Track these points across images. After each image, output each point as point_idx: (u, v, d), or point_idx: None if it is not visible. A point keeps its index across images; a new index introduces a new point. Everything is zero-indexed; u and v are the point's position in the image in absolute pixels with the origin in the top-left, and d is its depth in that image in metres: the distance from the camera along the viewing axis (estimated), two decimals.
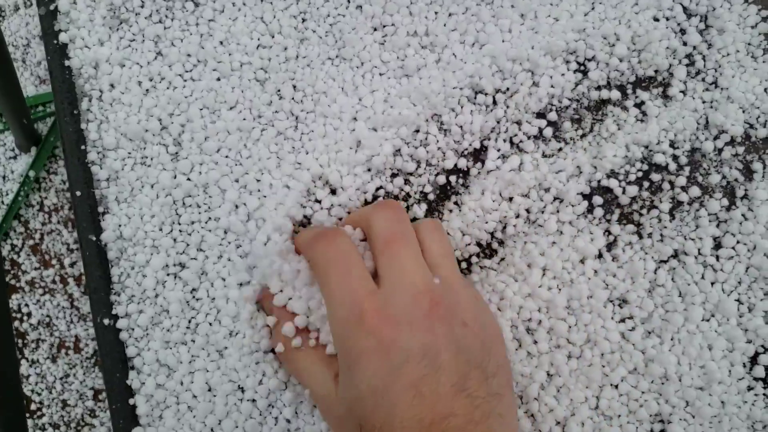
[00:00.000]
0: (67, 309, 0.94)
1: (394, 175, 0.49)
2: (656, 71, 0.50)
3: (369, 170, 0.49)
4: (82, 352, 0.92)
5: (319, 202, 0.49)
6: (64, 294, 0.94)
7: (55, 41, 0.51)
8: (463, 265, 0.48)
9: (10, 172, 0.94)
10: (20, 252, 0.95)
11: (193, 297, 0.47)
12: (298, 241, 0.45)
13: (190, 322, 0.47)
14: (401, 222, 0.42)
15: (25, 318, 0.91)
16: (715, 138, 0.49)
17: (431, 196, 0.49)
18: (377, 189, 0.49)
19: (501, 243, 0.48)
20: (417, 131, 0.49)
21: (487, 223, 0.48)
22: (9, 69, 0.77)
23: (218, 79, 0.50)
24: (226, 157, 0.49)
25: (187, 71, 0.50)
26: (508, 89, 0.50)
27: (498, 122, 0.50)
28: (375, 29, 0.51)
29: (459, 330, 0.39)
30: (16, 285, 0.88)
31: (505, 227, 0.48)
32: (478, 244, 0.48)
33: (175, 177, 0.49)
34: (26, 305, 0.93)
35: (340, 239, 0.42)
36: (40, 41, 1.01)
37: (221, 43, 0.51)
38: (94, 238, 0.48)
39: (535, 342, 0.46)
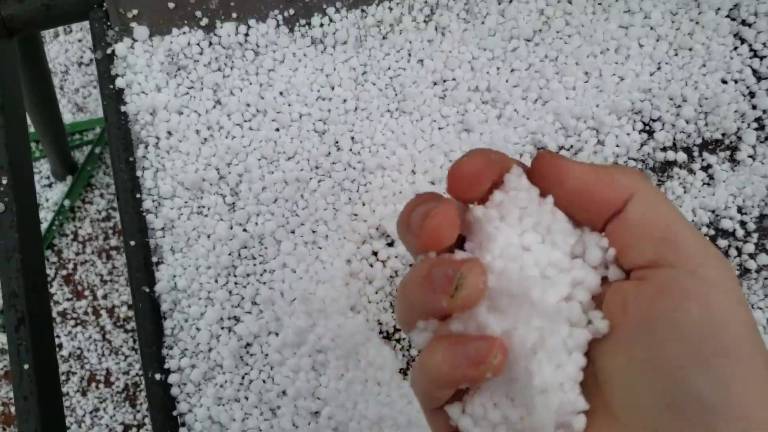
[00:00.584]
0: (99, 342, 0.93)
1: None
2: (724, 134, 0.49)
3: None
4: (113, 386, 0.91)
5: (376, 254, 0.48)
6: (96, 326, 0.94)
7: (111, 86, 0.51)
8: None
9: (45, 200, 0.94)
10: (53, 282, 0.95)
11: (247, 352, 0.47)
12: None
13: (243, 378, 0.46)
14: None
15: (56, 350, 0.91)
16: None
17: None
18: None
19: None
20: None
21: None
22: (51, 97, 0.77)
23: (277, 130, 0.50)
24: (283, 207, 0.48)
25: (246, 121, 0.50)
26: (572, 146, 0.49)
27: None
28: (435, 83, 0.51)
29: None
30: (52, 327, 0.88)
31: None
32: None
33: (231, 228, 0.48)
34: (57, 336, 0.93)
35: None
36: (79, 68, 1.02)
37: (281, 93, 0.50)
38: (147, 290, 0.47)
39: None
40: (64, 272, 0.95)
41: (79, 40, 1.02)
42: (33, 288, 0.46)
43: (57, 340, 0.92)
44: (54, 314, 0.92)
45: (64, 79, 1.01)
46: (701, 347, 0.23)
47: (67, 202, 0.95)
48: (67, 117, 1.00)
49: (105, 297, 0.94)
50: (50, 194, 0.95)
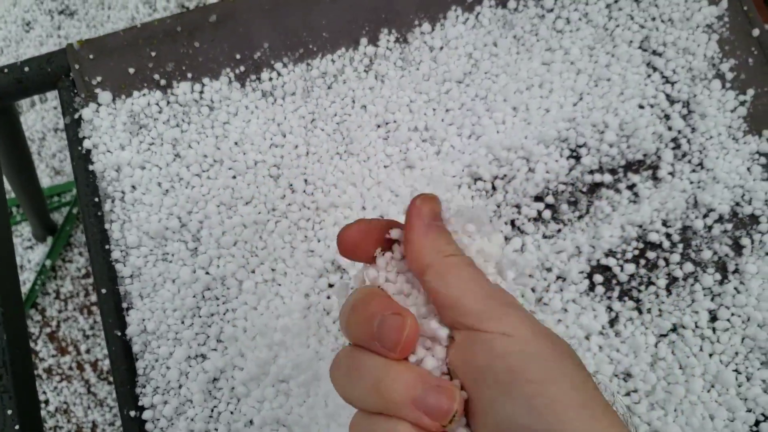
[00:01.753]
0: (84, 395, 0.95)
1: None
2: (645, 155, 0.53)
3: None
4: None
5: (332, 286, 0.51)
6: (81, 380, 0.96)
7: (80, 147, 0.54)
8: None
9: (27, 262, 0.97)
10: (37, 340, 0.97)
11: (215, 386, 0.50)
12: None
13: (212, 411, 0.49)
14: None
15: (42, 405, 0.93)
16: (705, 216, 0.52)
17: None
18: None
19: None
20: None
21: None
22: (29, 164, 0.80)
23: (234, 177, 0.53)
24: (243, 249, 0.52)
25: (204, 171, 0.54)
26: (505, 176, 0.53)
27: (498, 206, 0.53)
28: (378, 126, 0.55)
29: None
30: (34, 373, 0.90)
31: None
32: None
33: (194, 271, 0.51)
34: (44, 392, 0.95)
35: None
36: (55, 134, 1.06)
37: (236, 143, 0.54)
38: (119, 333, 0.51)
39: None
40: (48, 330, 0.98)
41: (55, 108, 1.07)
42: (13, 338, 0.49)
43: (43, 396, 0.94)
44: (39, 371, 0.95)
45: (42, 145, 1.05)
46: (495, 380, 0.28)
47: (48, 262, 0.99)
48: (46, 181, 1.03)
49: (88, 351, 0.97)
50: (32, 255, 0.99)
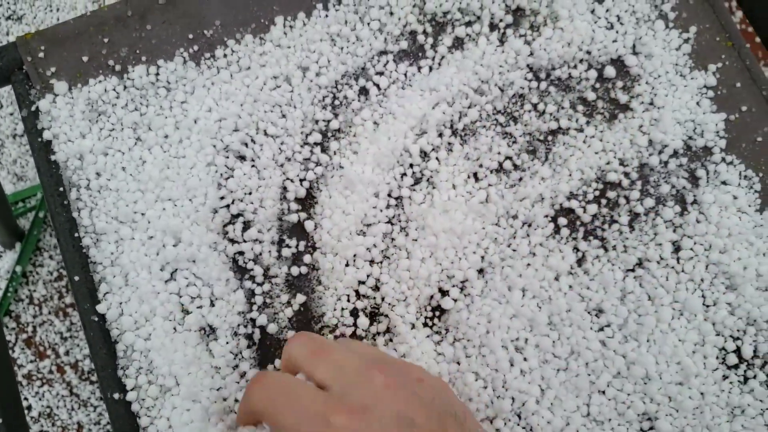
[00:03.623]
0: (67, 397, 0.95)
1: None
2: (596, 98, 0.55)
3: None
4: None
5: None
6: (63, 383, 0.95)
7: (40, 139, 0.54)
8: (455, 292, 0.51)
9: None
10: (14, 347, 0.96)
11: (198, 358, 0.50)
12: (240, 412, 0.43)
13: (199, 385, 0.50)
14: (316, 339, 0.43)
15: (25, 412, 0.92)
16: (660, 152, 0.53)
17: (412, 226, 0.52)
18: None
19: (481, 271, 0.51)
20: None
21: (464, 255, 0.51)
22: None
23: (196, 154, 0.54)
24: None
25: (164, 151, 0.54)
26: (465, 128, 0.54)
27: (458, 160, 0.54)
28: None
29: (418, 387, 0.40)
30: (16, 381, 0.89)
31: (483, 257, 0.52)
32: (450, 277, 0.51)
33: (164, 247, 0.52)
34: (25, 399, 0.94)
35: (269, 376, 0.41)
36: (14, 140, 1.05)
37: (195, 121, 0.54)
38: (96, 319, 0.51)
39: (525, 359, 0.49)
40: (24, 336, 0.97)
41: (11, 114, 1.05)
42: None
43: (25, 402, 0.94)
44: (19, 377, 0.94)
45: (1, 152, 1.04)
46: None
47: (18, 269, 0.98)
48: (8, 188, 1.02)
49: (67, 353, 0.96)
50: (1, 263, 0.98)
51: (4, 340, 0.52)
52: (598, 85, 0.55)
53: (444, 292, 0.51)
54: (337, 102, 0.55)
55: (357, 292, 0.51)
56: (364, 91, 0.56)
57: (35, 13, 1.09)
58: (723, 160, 0.53)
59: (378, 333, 0.51)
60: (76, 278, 0.52)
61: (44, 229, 1.02)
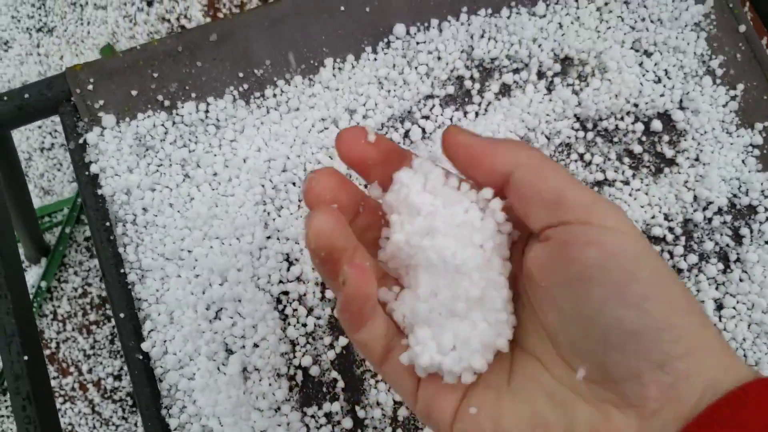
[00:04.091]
0: (89, 415, 0.95)
1: None
2: (642, 152, 0.55)
3: None
4: None
5: None
6: (85, 400, 0.96)
7: (87, 172, 0.55)
8: None
9: None
10: None
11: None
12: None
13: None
14: None
15: (60, 423, 0.92)
16: (704, 209, 0.54)
17: None
18: None
19: None
20: None
21: None
22: (23, 186, 0.80)
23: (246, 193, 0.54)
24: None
25: (213, 189, 0.54)
26: None
27: None
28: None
29: None
30: (54, 400, 0.90)
31: None
32: None
33: (210, 285, 0.52)
34: None
35: None
36: (42, 153, 1.05)
37: (244, 160, 0.55)
38: (140, 357, 0.51)
39: None
40: (48, 352, 0.98)
41: (39, 127, 1.06)
42: (34, 368, 0.50)
43: None
44: None
45: (29, 166, 1.04)
46: (607, 281, 0.26)
47: (43, 284, 0.98)
48: (35, 201, 1.03)
49: (90, 371, 0.96)
50: (27, 278, 0.98)
51: (44, 360, 0.52)
52: (644, 138, 0.55)
53: None
54: None
55: None
56: (409, 135, 0.56)
57: (66, 26, 1.09)
58: (767, 219, 0.53)
59: None
60: (122, 315, 0.52)
61: (70, 244, 1.02)
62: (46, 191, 1.04)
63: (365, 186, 0.38)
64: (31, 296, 0.98)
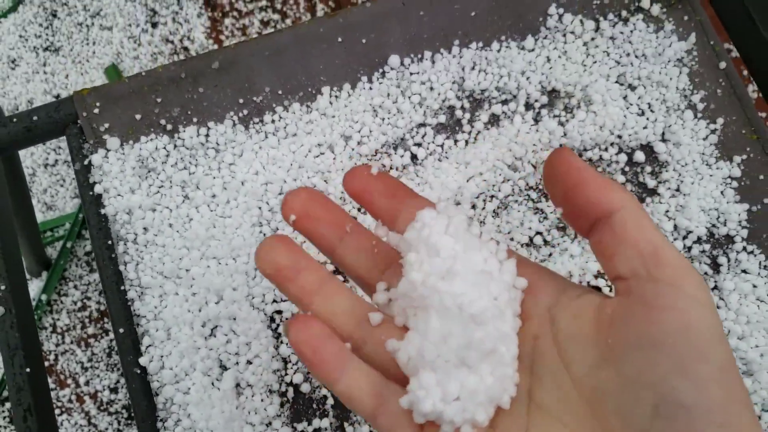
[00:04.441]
0: (85, 427, 0.97)
1: None
2: (624, 182, 0.57)
3: None
4: None
5: None
6: (81, 412, 0.97)
7: (91, 192, 0.57)
8: None
9: None
10: None
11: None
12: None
13: None
14: None
15: None
16: (684, 237, 0.56)
17: None
18: None
19: None
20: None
21: None
22: (28, 203, 0.82)
23: (243, 215, 0.56)
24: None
25: (211, 211, 0.56)
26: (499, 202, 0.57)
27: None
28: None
29: None
30: (54, 412, 0.91)
31: None
32: None
33: (207, 303, 0.54)
34: None
35: None
36: (45, 169, 1.07)
37: (242, 183, 0.57)
38: (138, 371, 0.53)
39: None
40: (46, 364, 0.99)
41: (43, 144, 1.08)
42: (36, 381, 0.52)
43: None
44: None
45: (32, 181, 1.07)
46: (682, 355, 0.25)
47: (44, 297, 1.00)
48: (38, 216, 1.05)
49: (87, 383, 0.98)
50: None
51: (45, 373, 0.54)
52: (627, 169, 0.58)
53: None
54: None
55: None
56: (402, 161, 0.58)
57: (72, 45, 1.12)
58: (744, 249, 0.55)
59: None
60: (121, 330, 0.54)
61: (71, 259, 1.04)
62: (48, 206, 1.06)
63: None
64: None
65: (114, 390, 0.97)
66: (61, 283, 1.03)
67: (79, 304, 1.02)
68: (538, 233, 0.56)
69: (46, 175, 1.07)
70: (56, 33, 1.12)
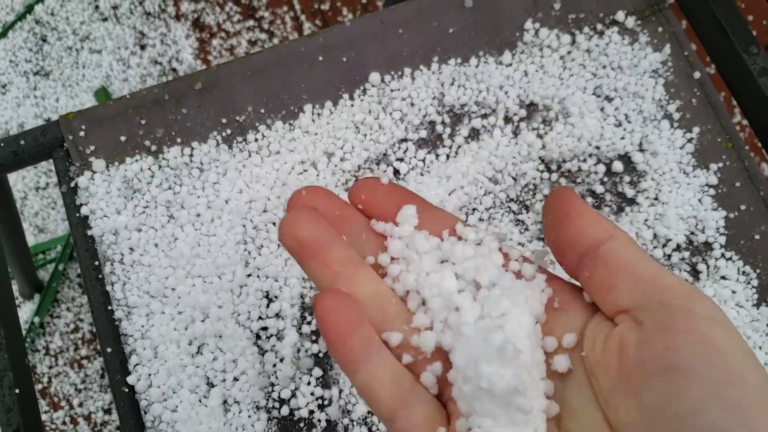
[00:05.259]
0: None
1: None
2: (603, 192, 0.58)
3: None
4: None
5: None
6: None
7: (78, 214, 0.57)
8: None
9: None
10: None
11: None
12: None
13: None
14: None
15: None
16: (663, 246, 0.57)
17: None
18: None
19: None
20: None
21: None
22: (18, 227, 0.83)
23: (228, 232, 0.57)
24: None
25: (196, 230, 0.57)
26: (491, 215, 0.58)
27: None
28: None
29: None
30: None
31: None
32: None
33: (193, 321, 0.54)
34: None
35: None
36: (36, 192, 1.08)
37: (226, 201, 0.58)
38: (126, 390, 0.53)
39: None
40: (40, 386, 1.00)
41: (34, 167, 1.09)
42: (25, 402, 0.52)
43: None
44: None
45: (24, 204, 1.07)
46: (711, 378, 0.23)
47: (36, 319, 1.00)
48: (30, 239, 1.05)
49: (81, 405, 0.98)
50: (20, 314, 1.00)
51: (35, 396, 0.55)
52: (606, 179, 0.58)
53: None
54: None
55: None
56: (398, 174, 0.59)
57: (62, 69, 1.13)
58: (723, 255, 0.56)
59: None
60: (109, 350, 0.54)
61: (63, 281, 1.05)
62: (40, 229, 1.07)
63: None
64: (24, 332, 1.01)
65: (108, 411, 0.97)
66: (53, 306, 1.03)
67: (72, 326, 1.02)
68: (520, 244, 0.57)
69: (38, 198, 1.08)
70: (46, 57, 1.13)
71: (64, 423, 0.97)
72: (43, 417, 0.98)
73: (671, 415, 0.24)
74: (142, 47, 1.15)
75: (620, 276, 0.26)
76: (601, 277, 0.27)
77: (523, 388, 0.26)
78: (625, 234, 0.27)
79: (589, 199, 0.58)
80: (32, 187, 1.08)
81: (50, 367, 1.01)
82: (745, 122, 1.11)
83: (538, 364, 0.28)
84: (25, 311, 1.01)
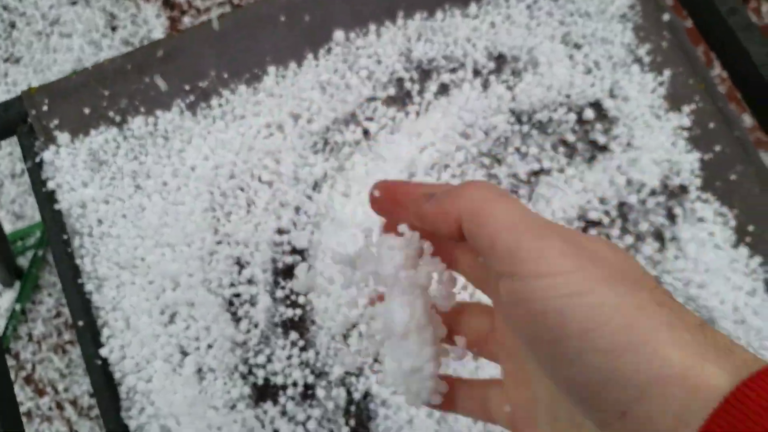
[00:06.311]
0: None
1: None
2: (575, 140, 0.57)
3: None
4: None
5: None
6: (62, 419, 0.97)
7: (44, 189, 0.56)
8: None
9: None
10: (14, 385, 0.98)
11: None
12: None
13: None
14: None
15: None
16: (638, 191, 0.56)
17: None
18: None
19: None
20: None
21: None
22: None
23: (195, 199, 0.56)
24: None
25: (163, 198, 0.56)
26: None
27: None
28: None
29: None
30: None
31: (472, 295, 0.54)
32: None
33: (164, 291, 0.54)
34: None
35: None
36: (12, 179, 1.07)
37: (192, 169, 0.57)
38: (99, 362, 0.53)
39: None
40: (24, 373, 0.99)
41: (10, 154, 1.07)
42: (1, 391, 0.51)
43: None
44: None
45: (0, 192, 1.06)
46: (574, 333, 0.23)
47: (18, 306, 0.99)
48: (7, 227, 1.04)
49: (66, 390, 0.98)
50: (1, 302, 0.99)
51: (10, 379, 0.54)
52: (577, 128, 0.58)
53: None
54: (328, 147, 0.58)
55: (349, 331, 0.53)
56: (354, 136, 0.58)
57: (33, 54, 1.11)
58: (699, 198, 0.55)
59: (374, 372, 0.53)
60: (80, 323, 0.53)
61: (43, 267, 1.04)
62: (18, 216, 1.06)
63: None
64: (6, 319, 1.00)
65: (93, 394, 0.96)
66: (34, 292, 1.02)
67: (54, 311, 1.01)
68: None
69: (14, 185, 1.07)
70: (16, 43, 1.11)
71: (50, 409, 0.97)
72: (29, 404, 0.97)
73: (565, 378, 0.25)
74: (113, 29, 1.14)
75: (481, 251, 0.27)
76: (469, 253, 0.30)
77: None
78: (479, 202, 0.27)
79: (561, 149, 0.57)
80: (8, 174, 1.07)
81: (34, 354, 1.00)
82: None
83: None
84: (6, 299, 1.00)
